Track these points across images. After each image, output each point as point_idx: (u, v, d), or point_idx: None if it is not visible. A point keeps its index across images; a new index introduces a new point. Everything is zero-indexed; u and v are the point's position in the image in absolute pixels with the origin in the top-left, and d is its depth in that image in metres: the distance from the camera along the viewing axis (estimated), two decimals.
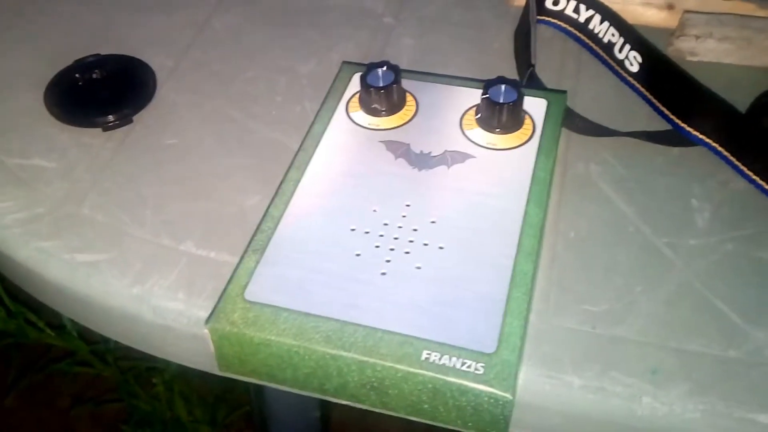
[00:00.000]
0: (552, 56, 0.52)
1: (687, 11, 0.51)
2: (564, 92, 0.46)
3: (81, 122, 0.47)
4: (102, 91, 0.49)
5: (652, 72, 0.48)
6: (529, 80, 0.48)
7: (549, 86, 0.49)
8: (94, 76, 0.49)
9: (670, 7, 0.52)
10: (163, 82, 0.51)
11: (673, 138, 0.46)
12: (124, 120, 0.47)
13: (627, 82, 0.49)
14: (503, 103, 0.41)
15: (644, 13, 0.53)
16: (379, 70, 0.44)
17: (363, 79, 0.44)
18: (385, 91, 0.44)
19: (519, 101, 0.42)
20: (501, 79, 0.43)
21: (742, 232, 0.41)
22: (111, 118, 0.47)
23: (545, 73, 0.50)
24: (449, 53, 0.53)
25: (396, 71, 0.44)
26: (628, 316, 0.38)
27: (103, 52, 0.51)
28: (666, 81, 0.47)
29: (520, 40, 0.51)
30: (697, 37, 0.50)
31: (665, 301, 0.38)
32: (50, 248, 0.41)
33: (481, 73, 0.49)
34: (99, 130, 0.47)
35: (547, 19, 0.54)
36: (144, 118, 0.48)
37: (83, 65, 0.50)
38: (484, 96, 0.43)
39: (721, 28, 0.50)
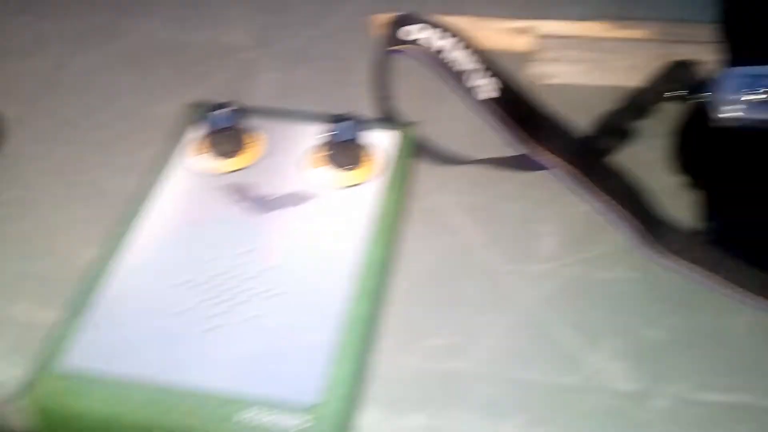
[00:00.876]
0: (408, 86, 0.52)
1: (541, 36, 0.51)
2: (414, 124, 0.46)
3: None
4: None
5: (502, 98, 0.48)
6: (384, 113, 0.48)
7: (405, 117, 0.49)
8: None
9: (524, 32, 0.53)
10: (12, 133, 0.49)
11: (522, 163, 0.46)
12: None
13: (481, 109, 0.50)
14: (347, 140, 0.41)
15: (500, 39, 0.53)
16: (223, 111, 0.43)
17: (205, 120, 0.43)
18: (228, 133, 0.43)
19: (364, 136, 0.41)
20: (347, 115, 0.43)
21: (585, 254, 0.42)
22: None
23: (401, 104, 0.50)
24: (310, 88, 0.53)
25: (240, 111, 0.43)
26: (471, 348, 0.38)
27: None
28: (515, 107, 0.48)
29: (375, 73, 0.51)
30: (552, 61, 0.51)
31: (506, 331, 0.39)
32: None
33: (341, 107, 0.48)
34: None
35: (402, 48, 0.54)
36: None
37: None
38: (328, 133, 0.42)
39: (572, 51, 0.51)
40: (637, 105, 0.44)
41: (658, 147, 0.45)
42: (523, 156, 0.47)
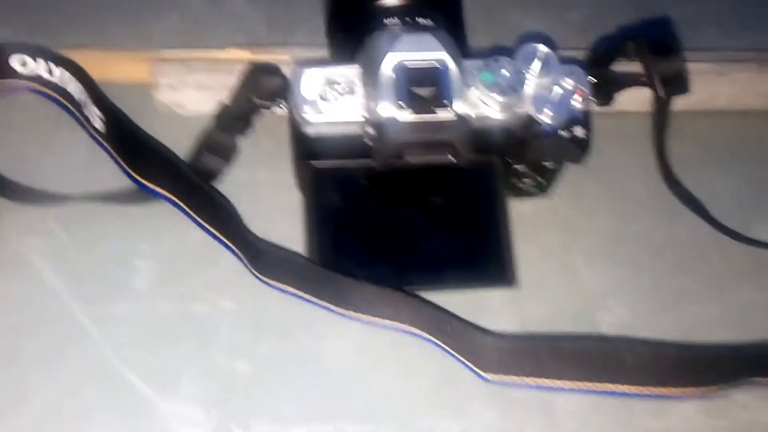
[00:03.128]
0: (29, 121, 0.46)
1: (156, 59, 0.47)
2: None
3: None
4: None
5: (111, 128, 0.43)
6: None
7: (12, 151, 0.43)
8: None
9: (149, 60, 0.49)
10: None
11: (133, 196, 0.41)
12: None
13: (97, 141, 0.45)
14: None
15: (130, 69, 0.49)
16: None
17: None
18: None
19: None
20: None
21: (180, 288, 0.37)
22: None
23: (11, 138, 0.44)
24: None
25: None
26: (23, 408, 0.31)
27: None
28: (121, 138, 0.43)
29: None
30: (173, 87, 0.47)
31: (69, 387, 0.32)
32: None
33: None
34: None
35: (21, 82, 0.48)
36: None
37: None
38: None
39: (193, 75, 0.47)
40: (230, 118, 0.41)
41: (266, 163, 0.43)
42: (133, 189, 0.42)
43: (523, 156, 0.38)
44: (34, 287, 0.37)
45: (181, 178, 0.40)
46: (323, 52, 0.48)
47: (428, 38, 0.35)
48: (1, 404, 0.32)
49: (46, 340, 0.34)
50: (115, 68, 0.49)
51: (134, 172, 0.41)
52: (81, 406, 0.32)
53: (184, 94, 0.47)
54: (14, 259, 0.38)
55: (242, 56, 0.50)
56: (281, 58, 0.49)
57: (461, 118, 0.35)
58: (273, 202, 0.42)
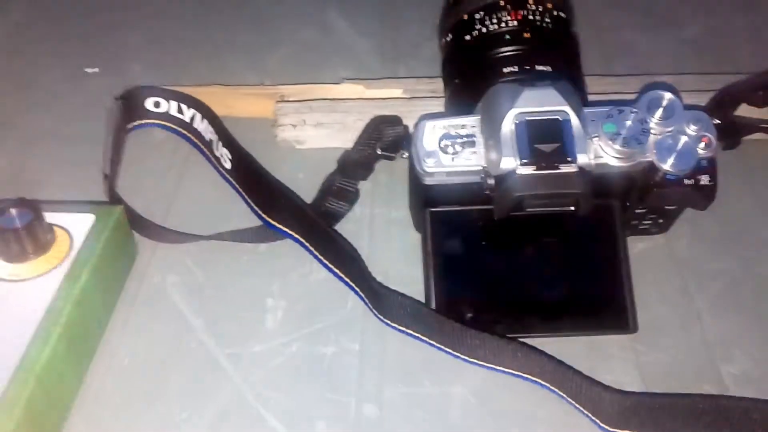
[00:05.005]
0: (160, 158, 0.49)
1: (279, 100, 0.50)
2: (120, 205, 0.42)
3: None
4: None
5: (240, 168, 0.46)
6: (108, 192, 0.45)
7: (149, 189, 0.46)
8: None
9: (272, 97, 0.51)
10: None
11: (260, 234, 0.44)
12: None
13: (226, 179, 0.47)
14: (15, 228, 0.37)
15: (251, 107, 0.52)
16: None
17: None
18: None
19: (37, 223, 0.37)
20: (15, 201, 0.38)
21: (309, 328, 0.39)
22: None
23: (148, 177, 0.47)
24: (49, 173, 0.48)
25: None
26: None
27: None
28: (248, 177, 0.45)
29: (106, 148, 0.48)
30: (294, 126, 0.49)
31: (209, 425, 0.35)
32: None
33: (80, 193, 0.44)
34: None
35: (154, 121, 0.51)
36: None
37: None
38: None
39: (312, 115, 0.49)
40: (353, 165, 0.42)
41: (393, 205, 0.44)
42: (260, 227, 0.44)
43: (645, 201, 0.38)
44: (174, 324, 0.39)
45: (306, 219, 0.42)
46: (435, 85, 0.49)
47: (549, 92, 0.35)
48: None
49: (188, 376, 0.37)
50: (237, 104, 0.52)
51: (263, 211, 0.44)
52: None
53: (305, 132, 0.49)
54: (155, 295, 0.41)
55: (357, 91, 0.51)
56: (394, 92, 0.51)
57: (583, 171, 0.35)
58: (391, 238, 0.43)
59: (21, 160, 0.49)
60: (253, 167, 0.45)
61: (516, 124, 0.35)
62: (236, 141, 0.47)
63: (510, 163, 0.35)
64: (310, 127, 0.49)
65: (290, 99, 0.50)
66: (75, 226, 0.40)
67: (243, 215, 0.44)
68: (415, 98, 0.49)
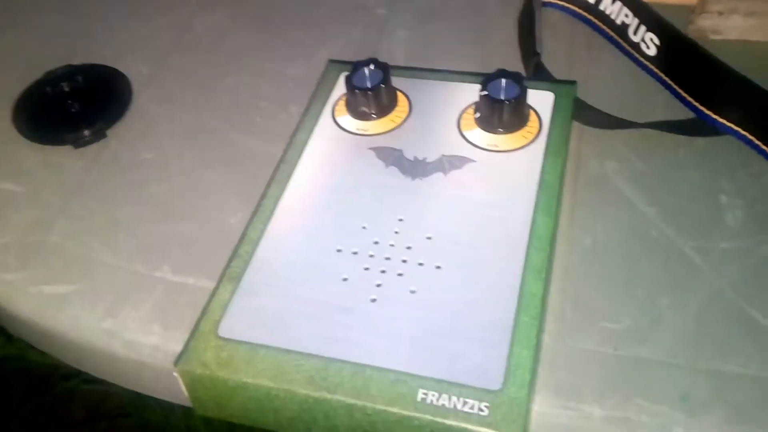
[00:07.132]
0: (560, 43, 0.47)
1: None
2: (573, 83, 0.42)
3: (51, 140, 0.44)
4: (73, 105, 0.45)
5: (671, 55, 0.43)
6: (534, 71, 0.44)
7: (557, 76, 0.44)
8: (65, 88, 0.46)
9: None
10: (140, 91, 0.47)
11: (697, 127, 0.41)
12: (97, 135, 0.44)
13: (644, 67, 0.45)
14: (504, 100, 0.37)
15: None
16: (366, 69, 0.40)
17: (348, 80, 0.40)
18: (373, 93, 0.40)
19: (522, 97, 0.37)
20: (501, 73, 0.39)
21: None
22: (82, 133, 0.44)
23: (553, 63, 0.45)
24: (448, 46, 0.49)
25: (385, 69, 0.40)
26: (654, 333, 0.34)
27: (77, 62, 0.48)
28: (688, 64, 0.42)
29: (523, 27, 0.47)
30: (720, 14, 0.45)
31: (695, 315, 0.34)
32: (16, 281, 0.38)
33: (483, 66, 0.44)
34: (70, 147, 0.44)
35: (553, 1, 0.49)
36: (118, 132, 0.45)
37: (53, 77, 0.47)
38: (482, 93, 0.39)
39: (747, 3, 0.45)
40: None
41: None
42: (697, 119, 0.42)
43: None
44: (626, 210, 0.38)
45: (761, 112, 0.39)
46: None
47: None
48: (631, 325, 0.34)
49: (657, 263, 0.36)
50: None
51: (701, 102, 0.41)
52: (709, 340, 0.33)
53: (730, 21, 0.45)
54: (596, 180, 0.40)
55: None
56: None
57: None
58: None
59: (420, 34, 0.50)
60: (691, 51, 0.42)
61: None
62: (666, 21, 0.43)
63: None
64: (738, 17, 0.45)
65: None
66: (537, 102, 0.39)
67: (663, 107, 0.42)
68: None
